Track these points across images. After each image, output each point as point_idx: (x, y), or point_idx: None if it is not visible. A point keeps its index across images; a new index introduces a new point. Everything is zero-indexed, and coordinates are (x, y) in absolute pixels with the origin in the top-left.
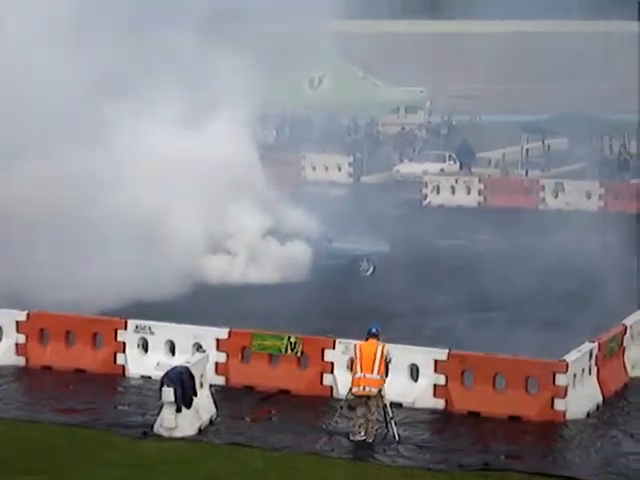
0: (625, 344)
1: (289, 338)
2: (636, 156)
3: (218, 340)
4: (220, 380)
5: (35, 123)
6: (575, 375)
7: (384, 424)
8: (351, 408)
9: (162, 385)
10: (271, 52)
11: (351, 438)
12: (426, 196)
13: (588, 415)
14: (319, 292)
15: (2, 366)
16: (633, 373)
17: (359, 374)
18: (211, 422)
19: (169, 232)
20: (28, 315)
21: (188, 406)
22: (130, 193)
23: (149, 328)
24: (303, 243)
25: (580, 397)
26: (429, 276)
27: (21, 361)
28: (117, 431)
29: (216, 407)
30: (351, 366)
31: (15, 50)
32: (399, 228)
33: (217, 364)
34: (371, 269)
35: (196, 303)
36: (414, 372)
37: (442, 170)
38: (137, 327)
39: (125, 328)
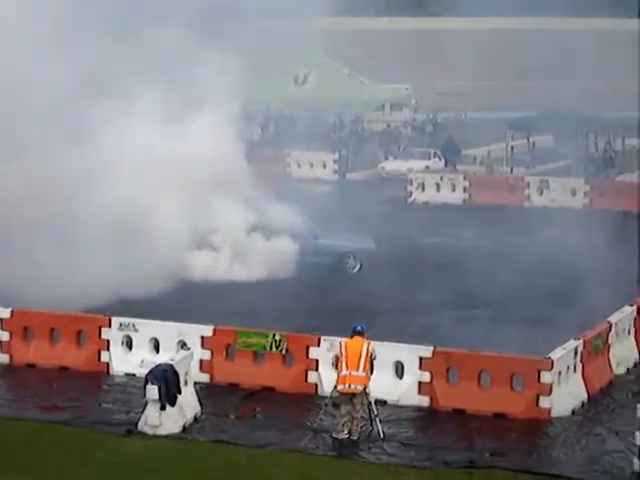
0: (610, 341)
1: (274, 336)
2: (621, 153)
3: (203, 337)
4: (205, 378)
5: (20, 123)
6: (560, 372)
7: (369, 422)
8: (336, 406)
9: (146, 383)
10: (256, 49)
11: (334, 436)
12: (411, 193)
13: (573, 412)
14: (304, 289)
15: None
16: (618, 370)
17: (344, 372)
18: (195, 420)
19: (153, 228)
20: (12, 312)
21: (172, 404)
22: (114, 190)
23: (133, 325)
24: (289, 239)
25: (565, 394)
26: (414, 273)
27: (5, 359)
28: (101, 429)
29: (200, 405)
30: (336, 364)
31: None
32: (384, 225)
33: (202, 361)
34: (358, 266)
35: (180, 300)
36: (399, 369)
37: (427, 167)
38: (121, 324)
39: (109, 326)
